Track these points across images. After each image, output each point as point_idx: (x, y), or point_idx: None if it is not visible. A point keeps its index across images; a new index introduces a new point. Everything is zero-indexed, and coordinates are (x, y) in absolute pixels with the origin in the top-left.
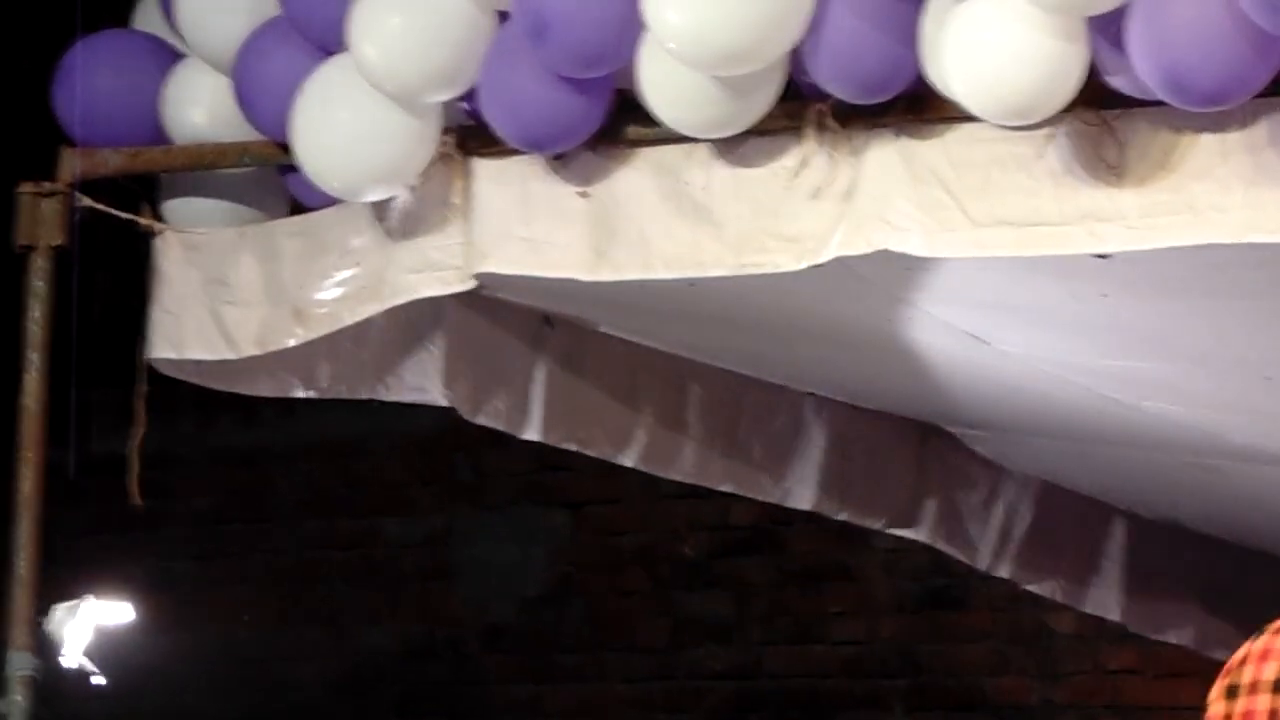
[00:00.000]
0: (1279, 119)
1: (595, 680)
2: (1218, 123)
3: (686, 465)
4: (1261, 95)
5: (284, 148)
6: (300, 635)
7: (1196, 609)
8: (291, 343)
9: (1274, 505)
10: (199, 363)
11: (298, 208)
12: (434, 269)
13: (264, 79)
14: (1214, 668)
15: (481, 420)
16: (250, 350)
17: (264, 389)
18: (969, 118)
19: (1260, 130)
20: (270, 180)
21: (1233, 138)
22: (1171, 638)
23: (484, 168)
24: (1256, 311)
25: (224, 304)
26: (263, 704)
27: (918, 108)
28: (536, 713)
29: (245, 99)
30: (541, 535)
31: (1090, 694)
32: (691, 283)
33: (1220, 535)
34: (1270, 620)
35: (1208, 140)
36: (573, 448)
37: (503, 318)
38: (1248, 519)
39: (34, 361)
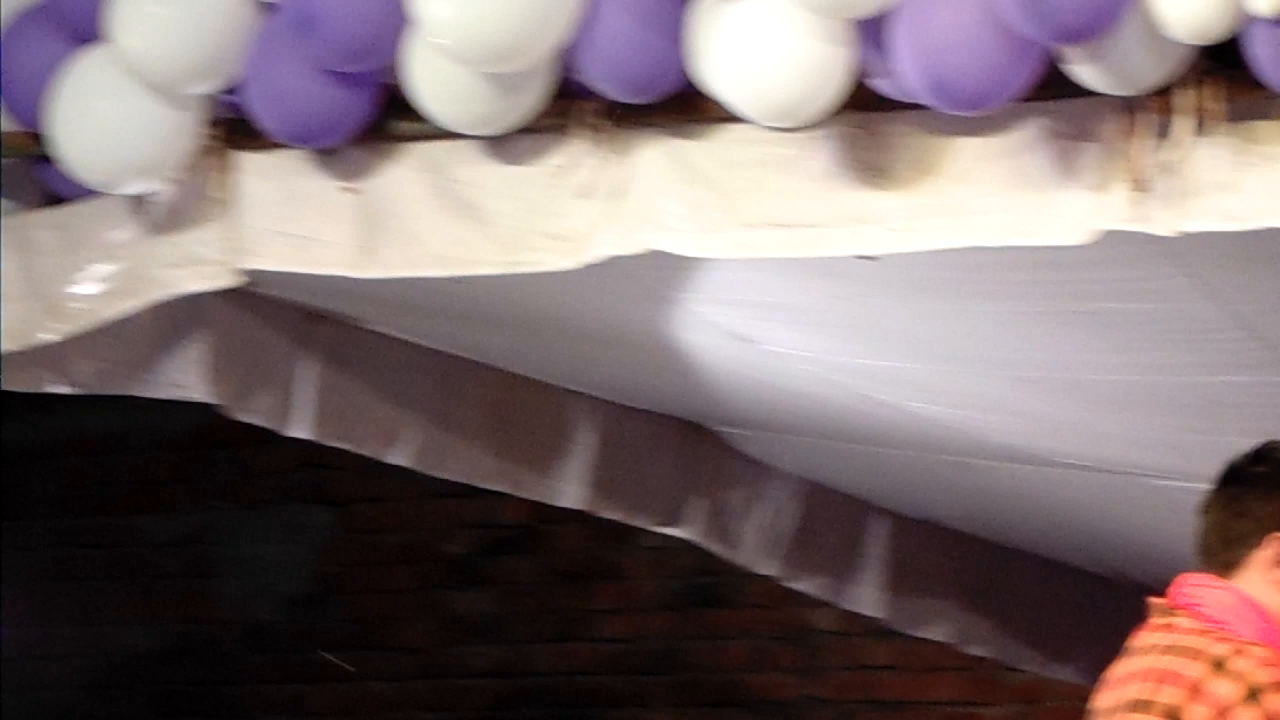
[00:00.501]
0: (1036, 124)
1: (358, 679)
2: (978, 127)
3: (457, 464)
4: (1020, 100)
5: (40, 138)
6: (54, 634)
7: (955, 605)
8: (46, 338)
9: (1032, 503)
10: None
11: (54, 200)
12: (196, 264)
13: (20, 68)
14: (971, 663)
15: (245, 417)
16: (4, 345)
17: (18, 384)
18: (737, 119)
19: (1018, 135)
20: (26, 172)
21: (993, 142)
22: (930, 634)
23: (249, 161)
24: (1015, 314)
25: None
26: (15, 704)
27: (687, 108)
28: (297, 713)
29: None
30: (305, 534)
31: (849, 689)
32: (460, 281)
33: (980, 533)
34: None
35: (969, 144)
36: (340, 445)
37: (268, 314)
38: (1006, 517)
39: None
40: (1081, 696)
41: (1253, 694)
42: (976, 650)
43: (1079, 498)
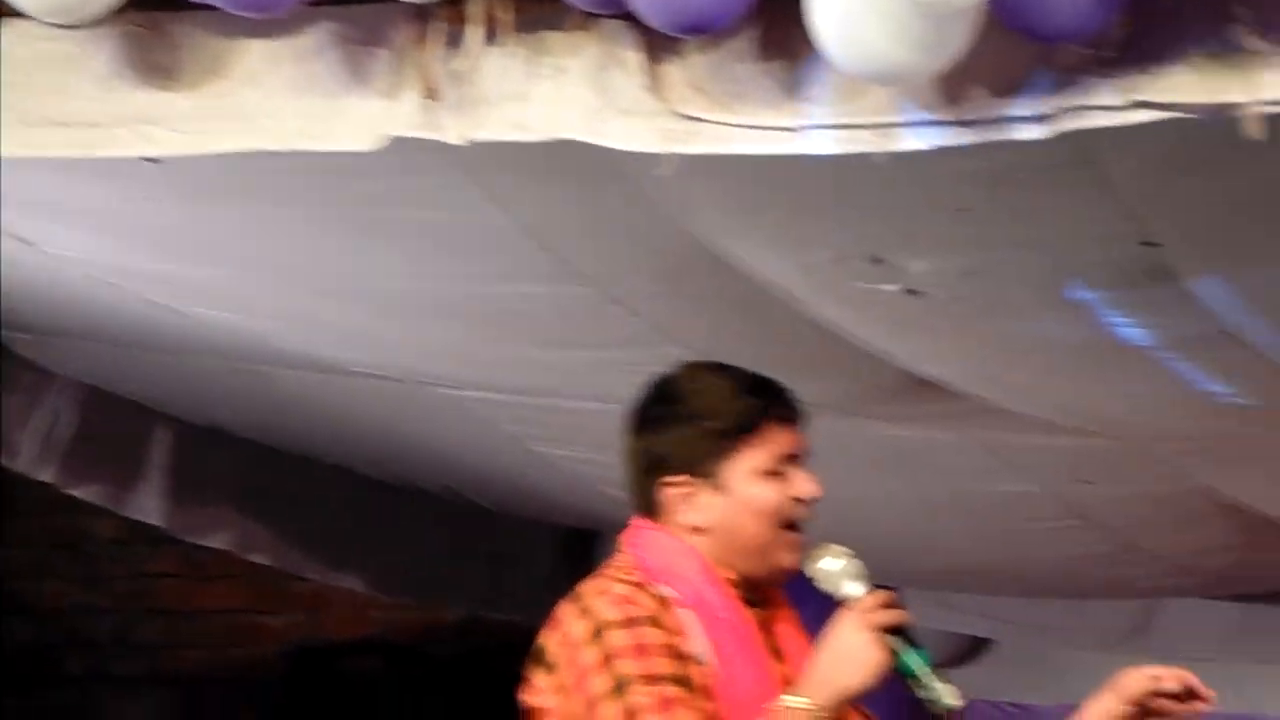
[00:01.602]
0: (326, 28)
1: None
2: (267, 30)
3: None
4: (310, 4)
5: None
6: None
7: (237, 513)
8: None
9: (315, 409)
10: None
11: None
12: None
13: None
14: (253, 570)
15: None
16: None
17: None
18: (20, 14)
19: (308, 39)
20: None
21: (282, 45)
22: (212, 541)
23: None
24: (305, 220)
25: None
26: None
27: None
28: None
29: None
30: None
31: (130, 598)
32: None
33: (264, 440)
34: None
35: (257, 47)
36: None
37: None
38: (292, 425)
39: None
40: (364, 604)
41: (598, 632)
42: (258, 558)
43: (369, 406)
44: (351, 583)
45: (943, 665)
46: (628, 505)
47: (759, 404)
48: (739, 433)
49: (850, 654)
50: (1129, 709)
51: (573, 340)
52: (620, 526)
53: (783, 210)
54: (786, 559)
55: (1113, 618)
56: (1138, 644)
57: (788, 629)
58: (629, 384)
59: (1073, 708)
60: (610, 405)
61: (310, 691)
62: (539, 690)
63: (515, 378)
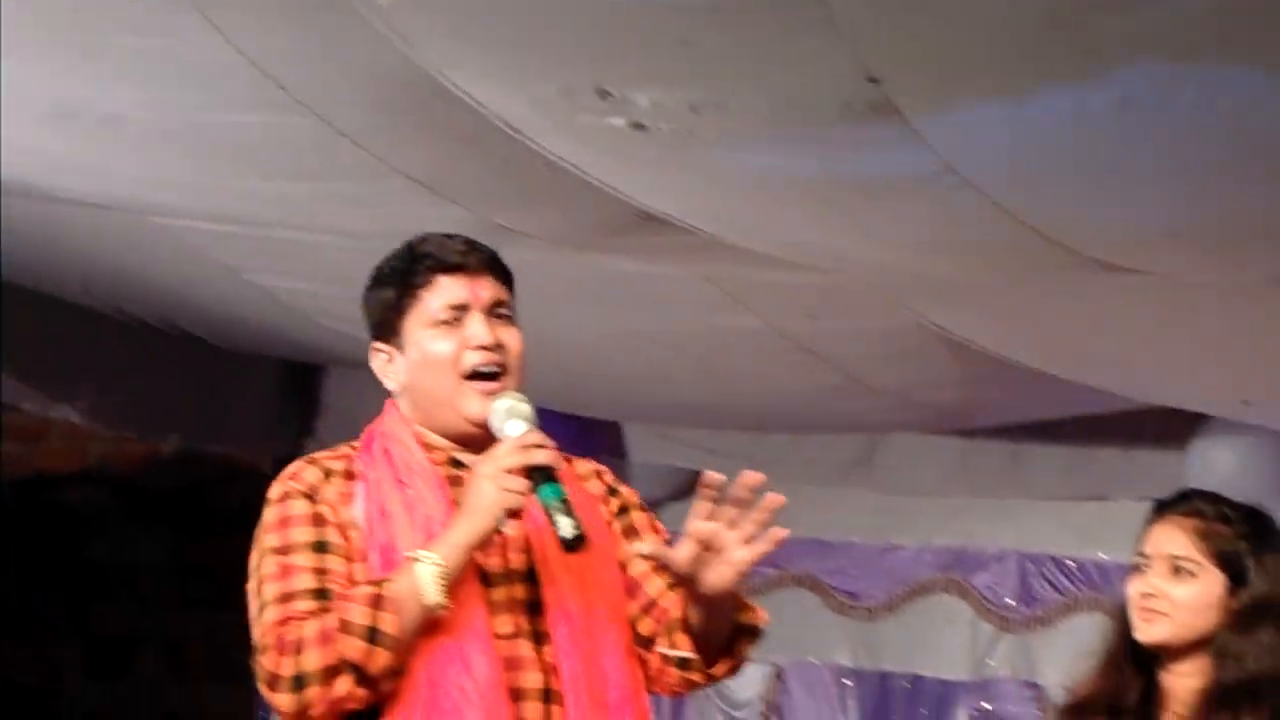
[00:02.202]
0: None
1: None
2: None
3: None
4: None
5: None
6: None
7: None
8: None
9: (33, 238)
10: None
11: None
12: None
13: None
14: None
15: None
16: None
17: None
18: None
19: None
20: None
21: None
22: None
23: None
24: (23, 43)
25: None
26: None
27: None
28: None
29: None
30: None
31: None
32: None
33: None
34: None
35: None
36: None
37: None
38: (4, 252)
39: None
40: (83, 437)
41: (264, 508)
42: None
43: (87, 236)
44: (70, 414)
45: (667, 499)
46: (347, 339)
47: (422, 259)
48: (406, 289)
49: (474, 499)
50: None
51: (294, 171)
52: (340, 360)
53: (509, 42)
54: (471, 407)
55: (835, 452)
56: (858, 478)
57: None
58: (350, 216)
59: (794, 541)
60: (330, 237)
61: (27, 523)
62: None
63: (234, 208)
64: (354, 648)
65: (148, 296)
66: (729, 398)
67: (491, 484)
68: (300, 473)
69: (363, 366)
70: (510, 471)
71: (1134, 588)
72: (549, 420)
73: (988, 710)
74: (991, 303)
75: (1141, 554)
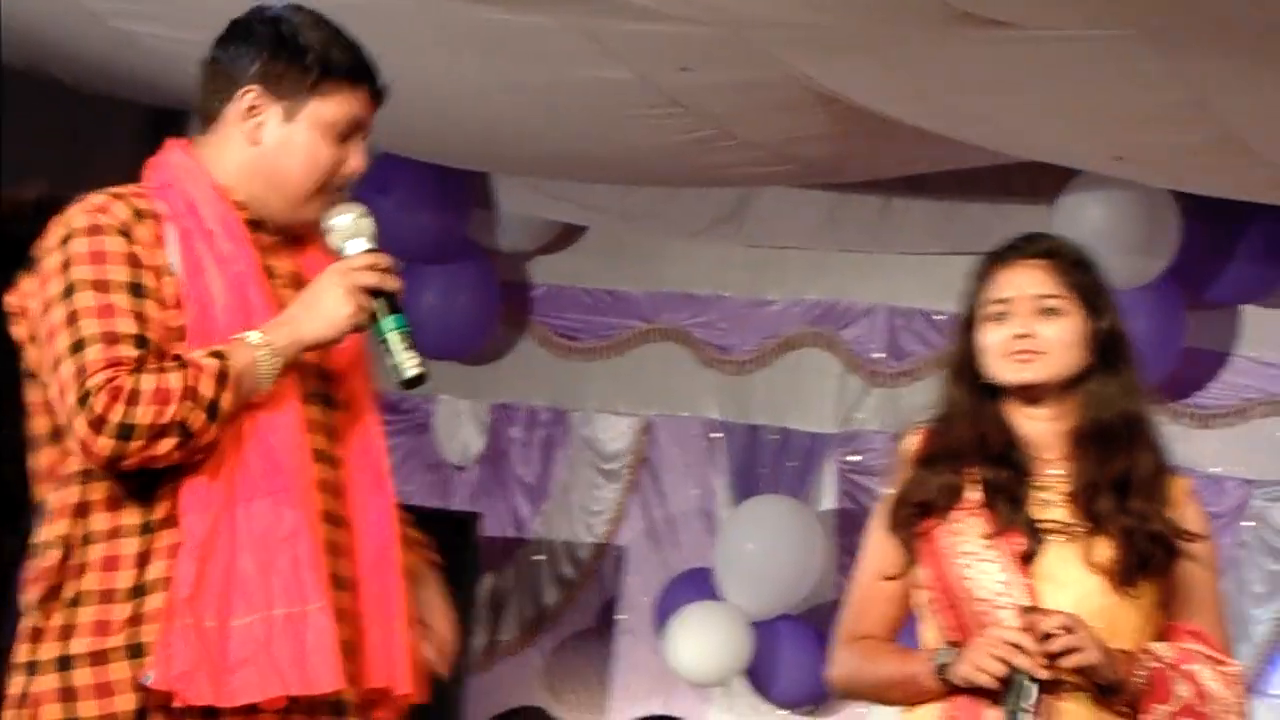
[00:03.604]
0: None
1: None
2: None
3: None
4: None
5: None
6: None
7: None
8: None
9: None
10: None
11: None
12: None
13: None
14: None
15: None
16: None
17: None
18: None
19: None
20: None
21: None
22: None
23: None
24: None
25: None
26: None
27: None
28: None
29: None
30: None
31: None
32: None
33: None
34: None
35: None
36: None
37: None
38: None
39: None
40: None
41: (65, 239)
42: None
43: None
44: None
45: (536, 252)
46: None
47: (363, 66)
48: (328, 74)
49: (320, 304)
50: None
51: None
52: None
53: None
54: (311, 212)
55: (705, 205)
56: (727, 231)
57: (309, 265)
58: None
59: (664, 295)
60: None
61: None
62: (22, 292)
63: None
64: (196, 417)
65: (8, 40)
66: (600, 150)
67: (345, 297)
68: (110, 206)
69: None
70: (364, 290)
71: (996, 334)
72: (406, 168)
73: (855, 462)
74: (863, 56)
75: (999, 300)
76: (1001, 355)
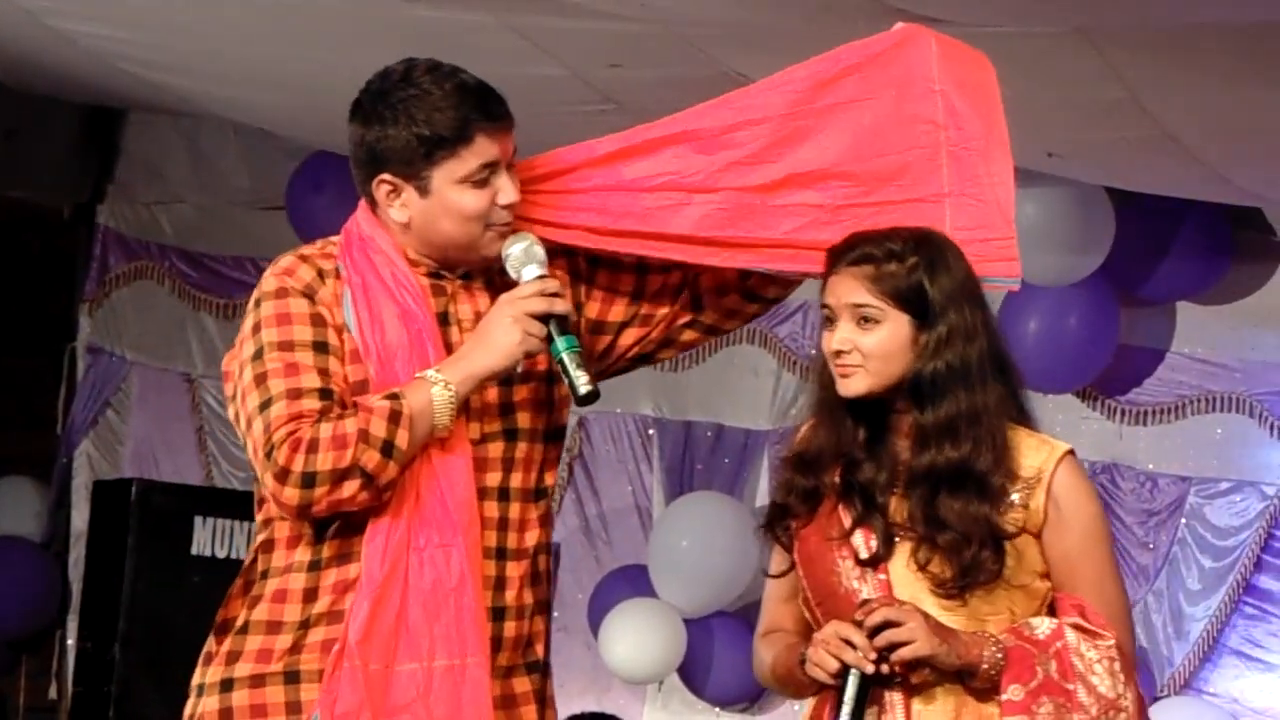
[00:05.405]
0: None
1: None
2: None
3: None
4: None
5: None
6: None
7: None
8: None
9: None
10: None
11: None
12: None
13: None
14: None
15: None
16: None
17: None
18: None
19: None
20: None
21: None
22: None
23: None
24: None
25: None
26: None
27: None
28: None
29: None
30: None
31: None
32: None
33: None
34: None
35: None
36: None
37: None
38: None
39: None
40: None
41: (258, 301)
42: None
43: None
44: None
45: None
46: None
47: (469, 115)
48: (442, 143)
49: (490, 335)
50: None
51: None
52: (139, 104)
53: None
54: (488, 250)
55: None
56: None
57: (485, 302)
58: None
59: None
60: None
61: None
62: (230, 355)
63: None
64: (370, 458)
65: None
66: (533, 146)
67: (515, 326)
68: (295, 269)
69: (163, 113)
70: (533, 316)
71: (826, 344)
72: (340, 165)
73: None
74: (794, 52)
75: (825, 306)
76: (831, 365)
